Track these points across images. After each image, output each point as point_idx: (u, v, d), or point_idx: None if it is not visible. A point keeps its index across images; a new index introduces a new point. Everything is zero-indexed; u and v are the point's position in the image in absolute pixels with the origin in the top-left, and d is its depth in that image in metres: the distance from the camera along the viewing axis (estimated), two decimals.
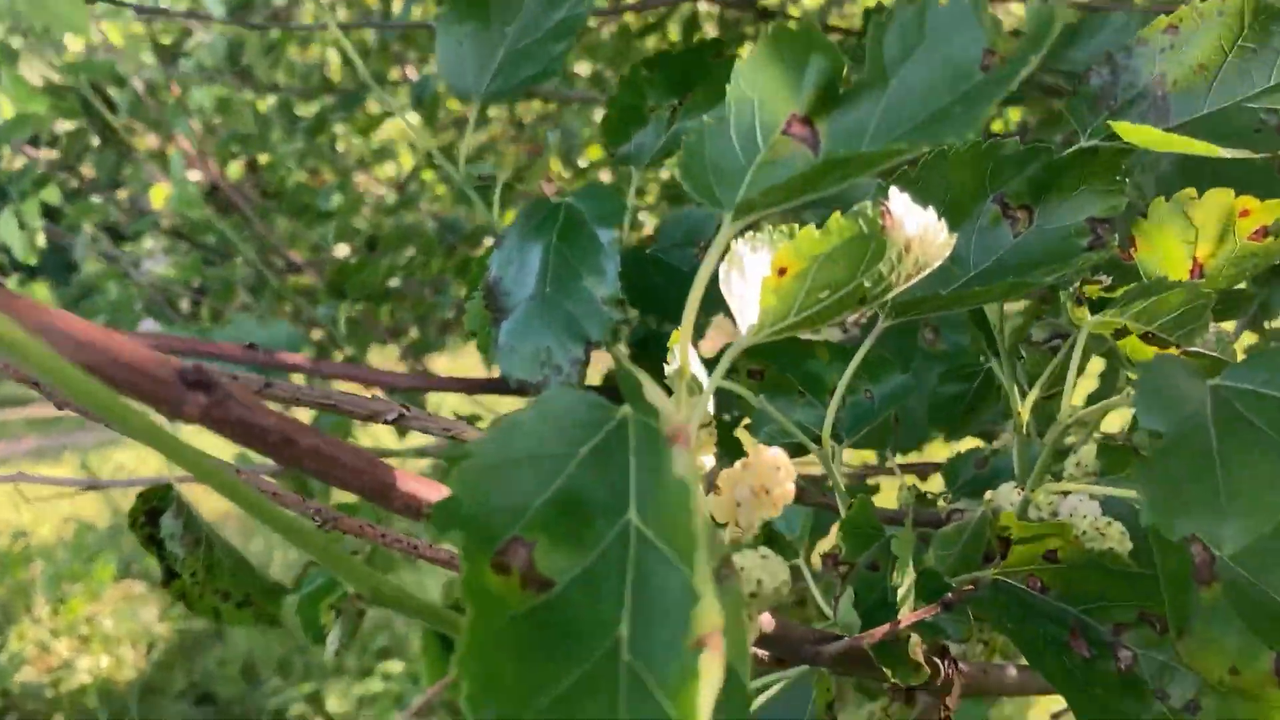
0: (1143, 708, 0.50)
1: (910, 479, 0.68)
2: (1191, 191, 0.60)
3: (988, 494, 0.60)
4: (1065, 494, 0.57)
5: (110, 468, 4.82)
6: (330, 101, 2.61)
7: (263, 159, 2.72)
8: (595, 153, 2.34)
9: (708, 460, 0.43)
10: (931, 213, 0.46)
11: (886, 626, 0.46)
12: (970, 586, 0.53)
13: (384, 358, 2.67)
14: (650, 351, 1.07)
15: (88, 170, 2.69)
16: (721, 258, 0.39)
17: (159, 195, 2.56)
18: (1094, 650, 0.52)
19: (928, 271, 0.49)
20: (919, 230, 0.45)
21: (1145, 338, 0.57)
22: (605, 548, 0.31)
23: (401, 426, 0.59)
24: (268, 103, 2.71)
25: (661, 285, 1.02)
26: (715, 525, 0.43)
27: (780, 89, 0.39)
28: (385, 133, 3.16)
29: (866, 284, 0.43)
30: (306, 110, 2.77)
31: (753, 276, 0.42)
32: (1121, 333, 0.57)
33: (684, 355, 0.38)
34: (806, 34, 0.39)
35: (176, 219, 2.67)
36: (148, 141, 2.61)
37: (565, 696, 0.27)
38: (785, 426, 0.57)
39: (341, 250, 2.69)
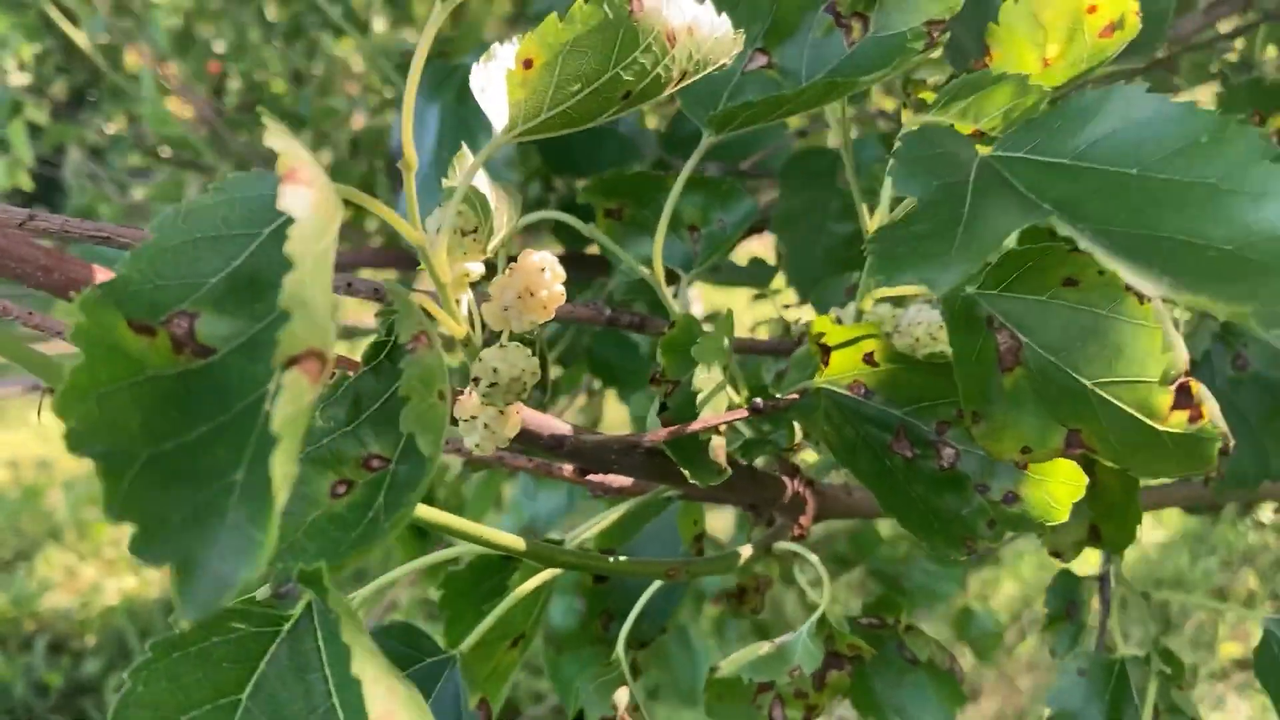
0: (963, 502, 0.50)
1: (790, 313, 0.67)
2: None
3: (832, 311, 0.59)
4: (898, 304, 0.56)
5: None
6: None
7: (240, 67, 2.70)
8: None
9: (475, 267, 0.43)
10: (705, 6, 0.45)
11: (674, 427, 0.46)
12: (795, 396, 0.53)
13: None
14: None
15: (60, 92, 2.68)
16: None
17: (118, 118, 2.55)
18: (917, 449, 0.52)
19: (712, 68, 0.48)
20: (686, 20, 0.44)
21: (975, 135, 0.56)
22: (274, 318, 0.31)
23: None
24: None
25: (576, 142, 1.01)
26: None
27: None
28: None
29: (626, 76, 0.43)
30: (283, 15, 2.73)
31: (502, 71, 0.41)
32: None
33: (408, 146, 0.38)
34: None
35: (155, 137, 2.65)
36: (123, 58, 2.59)
37: (192, 443, 0.27)
38: (615, 251, 0.57)
39: (324, 159, 2.67)
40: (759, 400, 0.50)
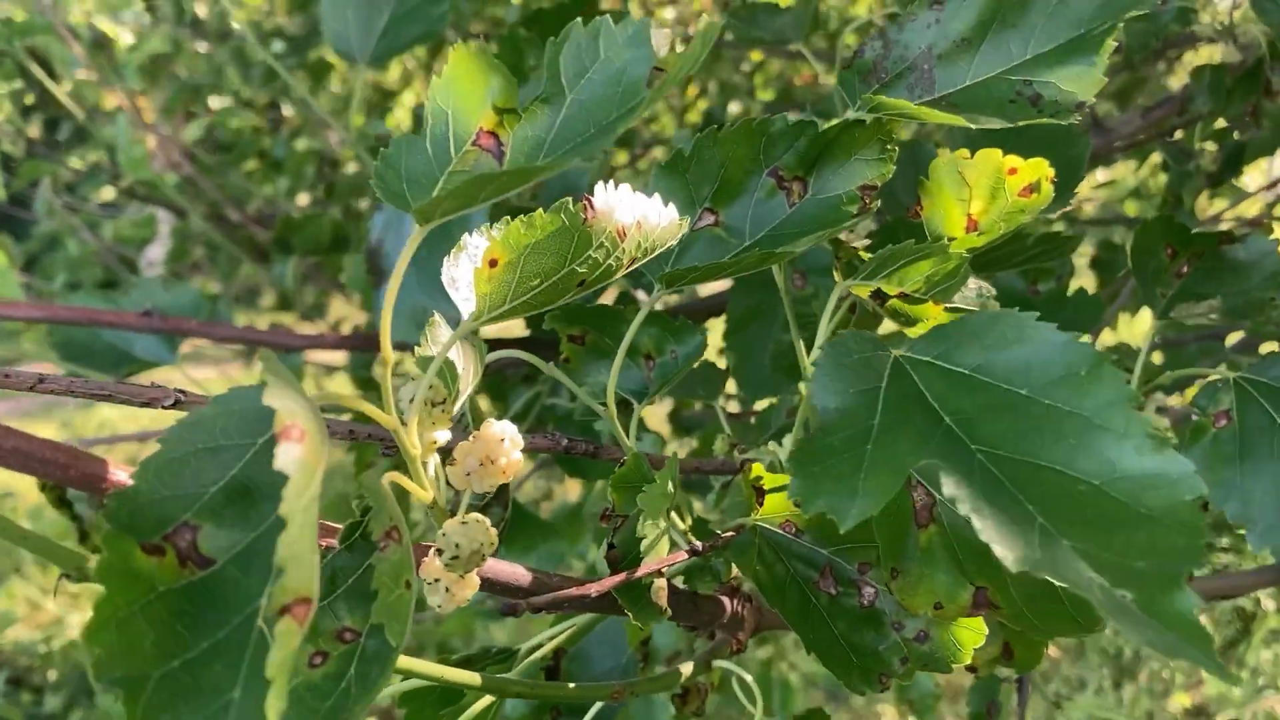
0: (880, 638, 0.56)
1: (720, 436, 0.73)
2: (965, 152, 0.64)
3: (770, 444, 0.64)
4: None
5: (94, 425, 4.88)
6: (281, 49, 2.61)
7: (215, 104, 2.73)
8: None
9: (442, 435, 0.48)
10: (653, 201, 0.51)
11: (622, 574, 0.51)
12: (731, 534, 0.58)
13: (351, 307, 2.71)
14: None
15: (35, 129, 2.71)
16: (411, 257, 0.43)
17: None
18: (841, 587, 0.57)
19: (661, 250, 0.53)
20: (635, 217, 0.49)
21: (902, 298, 0.62)
22: (267, 527, 0.36)
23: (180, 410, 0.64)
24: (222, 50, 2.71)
25: None
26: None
27: (470, 103, 0.43)
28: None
29: (580, 269, 0.48)
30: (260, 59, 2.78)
31: (469, 268, 0.46)
32: (880, 294, 0.62)
33: (385, 343, 0.43)
34: (484, 56, 0.43)
35: (130, 177, 2.68)
36: (101, 99, 2.62)
37: (196, 659, 0.32)
38: (571, 388, 0.62)
39: (304, 200, 2.71)
40: (698, 544, 0.55)
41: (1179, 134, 1.46)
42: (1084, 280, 1.05)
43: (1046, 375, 0.44)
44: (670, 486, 0.56)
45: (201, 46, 2.69)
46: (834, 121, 0.64)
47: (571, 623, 0.65)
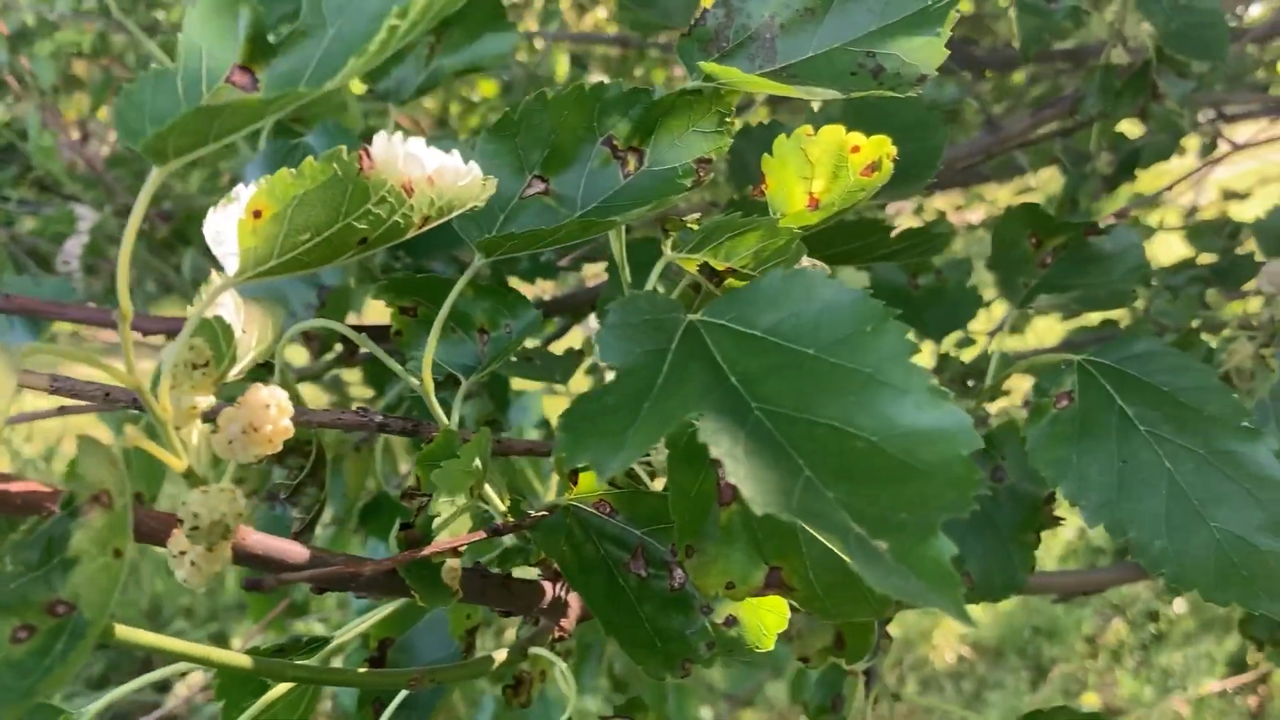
0: (688, 622, 0.53)
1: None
2: (809, 128, 0.62)
3: None
4: None
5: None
6: None
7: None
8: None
9: (204, 400, 0.45)
10: (449, 156, 0.48)
11: (402, 554, 0.49)
12: (546, 513, 0.56)
13: None
14: None
15: None
16: (149, 204, 0.40)
17: None
18: (651, 569, 0.55)
19: (462, 210, 0.50)
20: (426, 171, 0.46)
21: (731, 273, 0.60)
22: None
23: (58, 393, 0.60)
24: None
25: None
26: None
27: (223, 39, 0.40)
28: None
29: (360, 225, 0.45)
30: None
31: (234, 218, 0.43)
32: (708, 269, 0.60)
33: (123, 296, 0.39)
34: None
35: (41, 172, 2.60)
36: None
37: None
38: (390, 365, 0.59)
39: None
40: (497, 522, 0.52)
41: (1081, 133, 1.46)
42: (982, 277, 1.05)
43: (834, 333, 0.42)
44: (476, 463, 0.54)
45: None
46: (677, 90, 0.62)
47: (380, 610, 0.62)
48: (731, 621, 0.53)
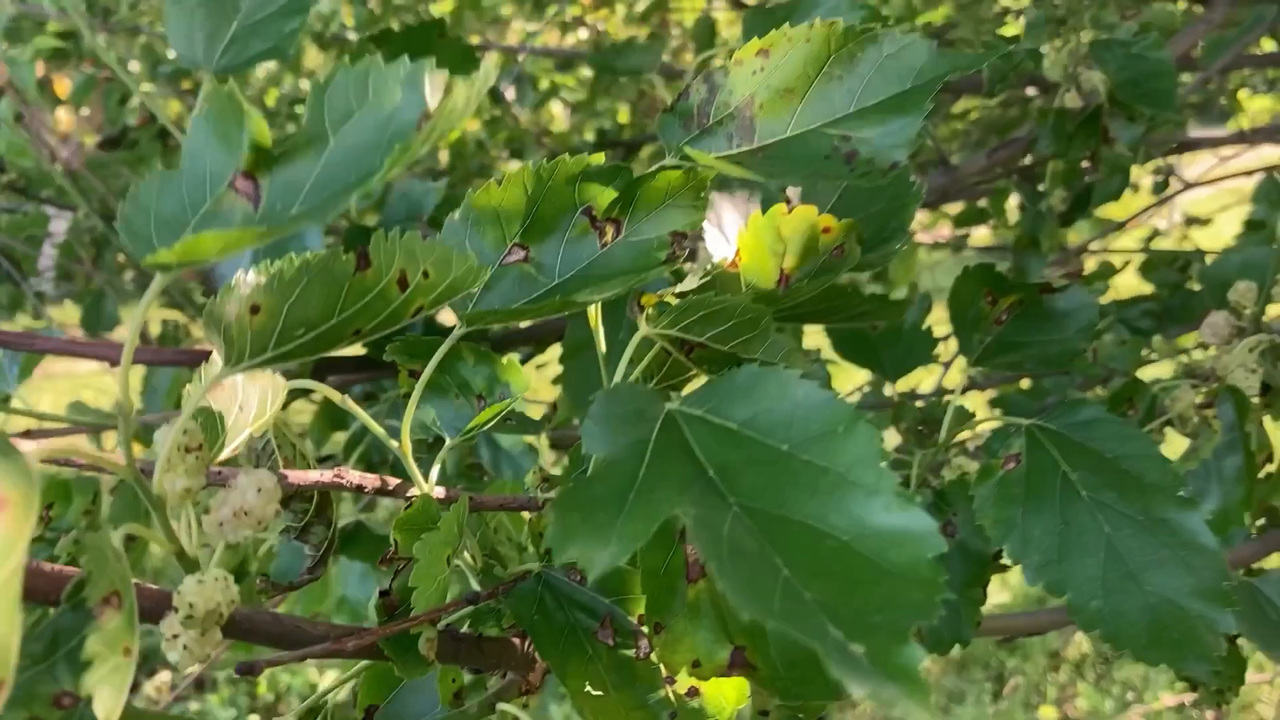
0: (651, 690, 0.56)
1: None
2: (782, 207, 0.65)
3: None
4: None
5: None
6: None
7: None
8: None
9: (197, 483, 0.46)
10: (447, 248, 0.49)
11: (384, 627, 0.51)
12: (514, 580, 0.58)
13: None
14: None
15: None
16: (149, 303, 0.41)
17: None
18: (619, 638, 0.57)
19: (459, 296, 0.52)
20: (425, 265, 0.48)
21: (702, 347, 0.62)
22: None
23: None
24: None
25: None
26: None
27: (228, 144, 0.42)
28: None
29: (356, 321, 0.47)
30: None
31: (233, 312, 0.45)
32: (683, 344, 0.62)
33: (123, 389, 0.41)
34: (238, 96, 0.41)
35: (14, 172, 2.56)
36: None
37: None
38: (368, 425, 0.61)
39: None
40: (476, 591, 0.55)
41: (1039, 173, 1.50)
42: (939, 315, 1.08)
43: (807, 431, 0.45)
44: (455, 530, 0.56)
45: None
46: (656, 166, 0.64)
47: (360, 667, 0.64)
48: (693, 693, 0.55)
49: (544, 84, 2.53)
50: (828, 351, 1.22)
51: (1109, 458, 0.69)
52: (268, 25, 0.96)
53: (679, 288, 0.67)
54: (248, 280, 0.47)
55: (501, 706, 0.62)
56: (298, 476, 0.60)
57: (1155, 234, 2.30)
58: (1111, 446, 0.69)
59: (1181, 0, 1.63)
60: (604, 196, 0.63)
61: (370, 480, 0.63)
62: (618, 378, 0.61)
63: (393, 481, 0.63)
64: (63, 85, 2.68)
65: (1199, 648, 0.61)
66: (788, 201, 0.75)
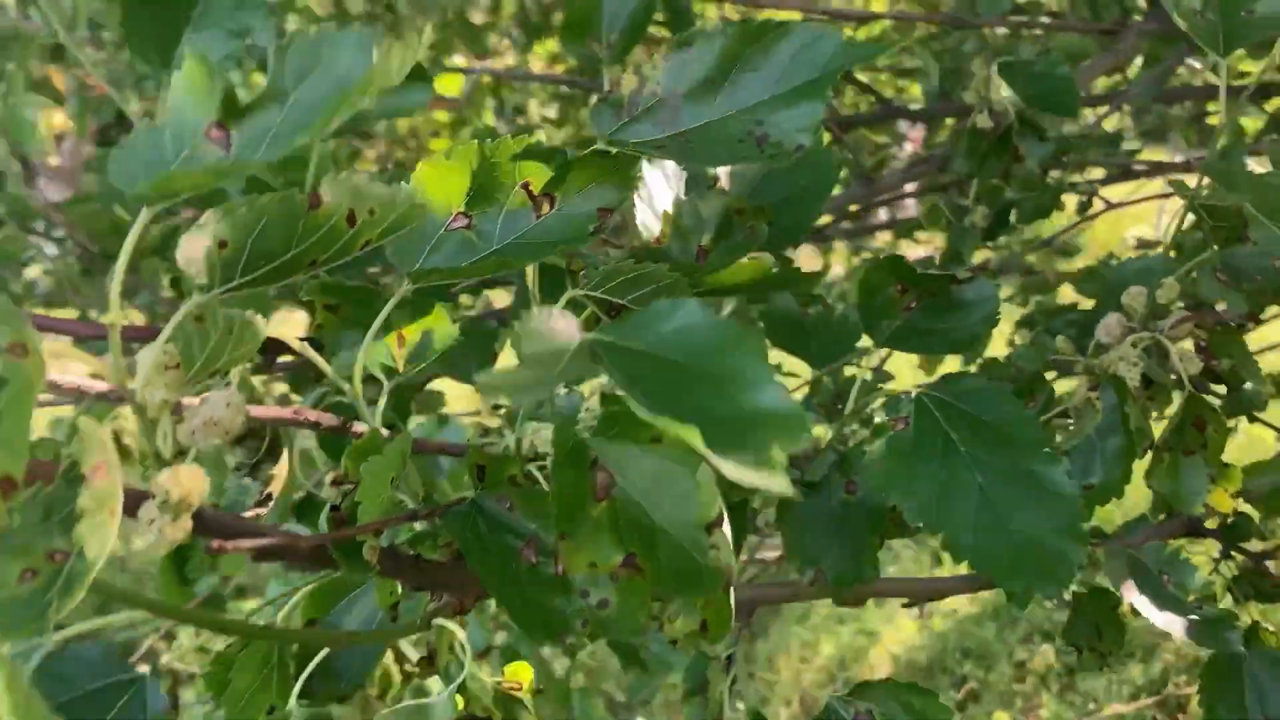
0: (568, 603, 0.63)
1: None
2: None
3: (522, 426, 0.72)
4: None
5: None
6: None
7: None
8: None
9: (174, 396, 0.54)
10: (392, 187, 0.57)
11: (334, 533, 0.58)
12: (456, 503, 0.65)
13: None
14: None
15: None
16: (137, 240, 0.49)
17: None
18: (540, 557, 0.65)
19: (400, 232, 0.60)
20: (367, 203, 0.56)
21: (626, 308, 0.70)
22: None
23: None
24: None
25: None
26: None
27: (203, 99, 0.50)
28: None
29: (311, 252, 0.54)
30: None
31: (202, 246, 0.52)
32: (606, 304, 0.70)
33: (113, 303, 0.48)
34: (207, 64, 0.49)
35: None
36: None
37: None
38: (321, 367, 0.68)
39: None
40: (415, 509, 0.62)
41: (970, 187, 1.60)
42: None
43: (703, 347, 0.51)
44: (398, 458, 0.63)
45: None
46: (588, 150, 0.72)
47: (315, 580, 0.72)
48: (604, 604, 0.63)
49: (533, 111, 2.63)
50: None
51: (986, 420, 0.78)
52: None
53: (612, 257, 0.75)
54: (215, 218, 0.54)
55: (437, 621, 0.69)
56: (260, 411, 0.68)
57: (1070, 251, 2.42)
58: (989, 411, 0.78)
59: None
60: (540, 174, 0.71)
61: (326, 418, 0.70)
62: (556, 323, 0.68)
63: (344, 421, 0.70)
64: (60, 79, 2.72)
65: (1053, 575, 0.69)
66: (714, 181, 0.85)
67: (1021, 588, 0.70)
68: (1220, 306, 1.05)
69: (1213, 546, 1.14)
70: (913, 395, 0.80)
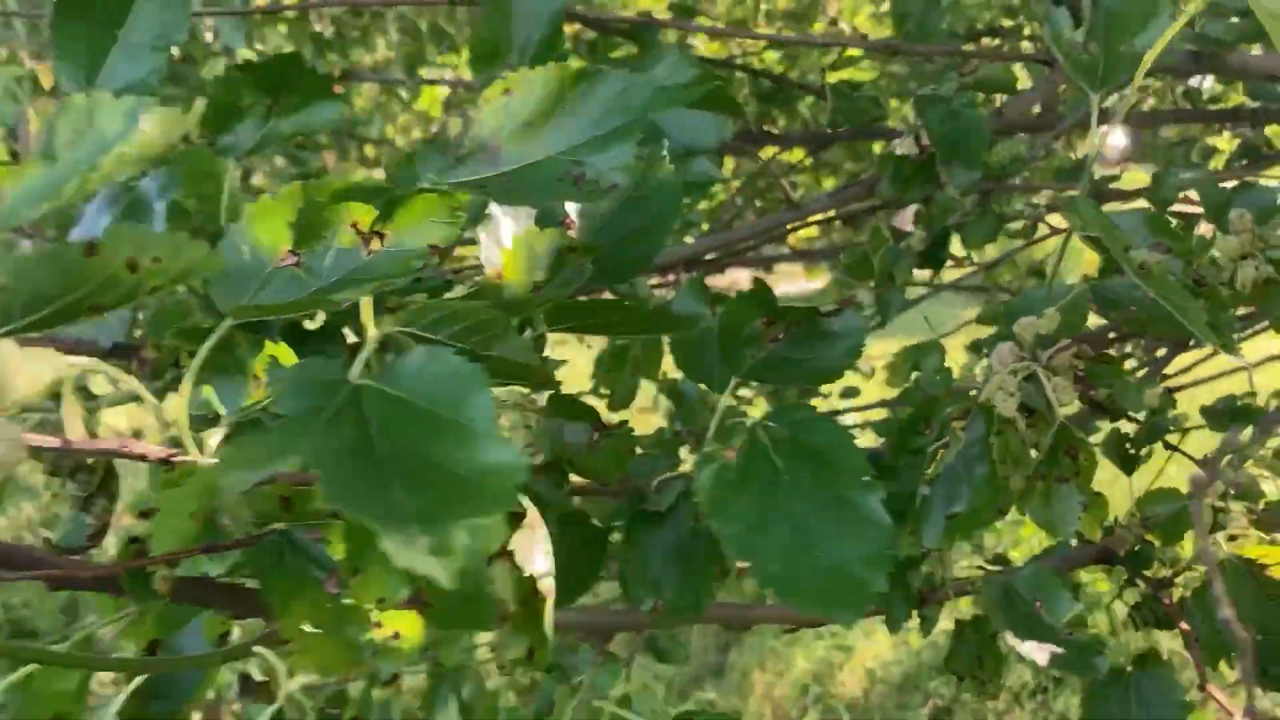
0: (360, 631, 0.65)
1: None
2: (535, 230, 0.75)
3: None
4: None
5: None
6: None
7: None
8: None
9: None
10: (178, 236, 0.60)
11: (116, 563, 0.60)
12: (268, 534, 0.68)
13: None
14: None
15: None
16: None
17: None
18: (341, 589, 0.67)
19: (195, 279, 0.62)
20: (155, 252, 0.58)
21: (447, 344, 0.72)
22: None
23: None
24: None
25: None
26: None
27: None
28: None
29: (90, 299, 0.57)
30: None
31: None
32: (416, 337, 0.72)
33: None
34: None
35: None
36: None
37: None
38: (146, 398, 0.70)
39: None
40: (213, 541, 0.64)
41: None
42: None
43: (447, 394, 0.54)
44: (204, 490, 0.65)
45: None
46: (416, 188, 0.74)
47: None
48: (396, 636, 0.65)
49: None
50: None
51: (814, 449, 0.79)
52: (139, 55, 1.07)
53: (447, 296, 0.78)
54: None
55: (258, 649, 0.71)
56: (82, 442, 0.70)
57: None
58: (818, 440, 0.80)
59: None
60: (365, 213, 0.74)
61: (153, 450, 0.72)
62: (355, 369, 0.70)
63: (172, 453, 0.73)
64: (47, 76, 2.77)
65: (849, 603, 0.70)
66: (565, 220, 0.87)
67: (819, 611, 0.71)
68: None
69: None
70: (746, 424, 0.81)
